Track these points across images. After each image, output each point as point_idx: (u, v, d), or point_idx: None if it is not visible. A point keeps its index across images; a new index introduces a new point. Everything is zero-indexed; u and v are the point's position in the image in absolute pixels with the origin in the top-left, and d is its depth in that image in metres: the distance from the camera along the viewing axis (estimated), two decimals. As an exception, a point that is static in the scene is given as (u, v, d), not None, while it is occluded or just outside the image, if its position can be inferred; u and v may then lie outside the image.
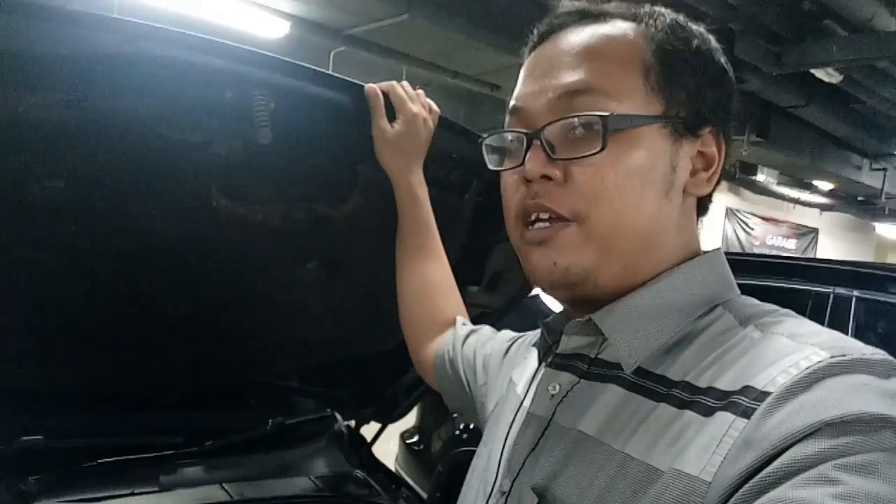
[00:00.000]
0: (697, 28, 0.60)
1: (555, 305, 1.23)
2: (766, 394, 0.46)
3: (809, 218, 11.98)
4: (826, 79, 4.66)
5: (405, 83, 1.00)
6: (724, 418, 0.47)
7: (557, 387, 0.62)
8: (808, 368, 0.46)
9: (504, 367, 0.82)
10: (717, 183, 0.61)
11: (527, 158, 0.58)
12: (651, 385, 0.55)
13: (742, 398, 0.47)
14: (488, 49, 4.43)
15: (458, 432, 2.69)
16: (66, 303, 1.16)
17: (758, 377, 0.48)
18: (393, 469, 2.12)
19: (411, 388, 1.72)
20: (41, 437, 1.25)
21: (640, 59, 0.57)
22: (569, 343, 0.63)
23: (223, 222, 1.11)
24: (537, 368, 0.69)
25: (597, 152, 0.55)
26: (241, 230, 1.14)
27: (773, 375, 0.47)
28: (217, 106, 0.95)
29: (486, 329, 0.95)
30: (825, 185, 9.15)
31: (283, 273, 1.32)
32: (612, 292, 0.59)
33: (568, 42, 0.59)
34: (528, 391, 0.68)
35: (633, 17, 0.60)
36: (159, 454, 1.37)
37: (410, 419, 3.09)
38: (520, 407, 0.68)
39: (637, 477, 0.50)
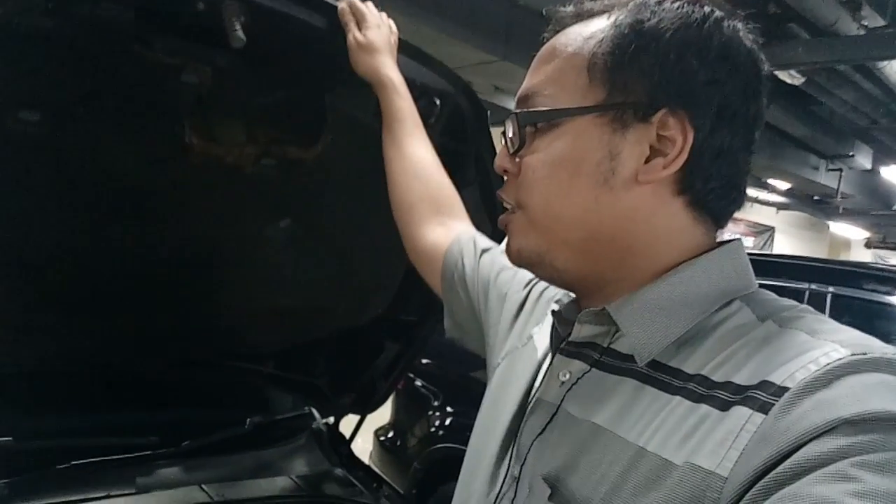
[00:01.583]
0: (676, 6, 0.56)
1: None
2: (785, 389, 0.46)
3: (766, 216, 12.26)
4: (789, 80, 4.76)
5: (369, 3, 1.06)
6: (741, 413, 0.47)
7: (568, 374, 0.62)
8: (827, 365, 0.46)
9: (522, 318, 0.80)
10: (698, 171, 0.56)
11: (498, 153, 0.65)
12: (665, 378, 0.54)
13: (760, 393, 0.47)
14: (459, 45, 4.41)
15: (433, 429, 2.68)
16: (38, 258, 1.11)
17: (776, 372, 0.47)
18: (369, 467, 2.10)
19: (389, 370, 1.69)
20: (10, 438, 1.20)
21: (587, 52, 0.58)
22: (581, 331, 0.63)
23: (196, 163, 1.08)
24: (549, 354, 0.68)
25: (518, 149, 0.61)
26: (214, 174, 1.12)
27: (792, 371, 0.46)
28: (189, 19, 0.93)
29: (497, 252, 0.91)
30: (782, 185, 9.35)
31: (257, 231, 1.30)
32: (591, 278, 0.61)
33: (545, 47, 0.63)
34: (537, 375, 0.68)
35: (608, 9, 0.60)
36: (135, 455, 1.33)
37: (385, 416, 3.06)
38: (531, 389, 0.68)
39: (651, 470, 0.49)
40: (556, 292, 0.76)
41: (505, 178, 0.65)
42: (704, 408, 0.49)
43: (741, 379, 0.49)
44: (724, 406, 0.48)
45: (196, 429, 1.44)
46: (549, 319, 0.70)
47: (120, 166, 1.05)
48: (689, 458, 0.48)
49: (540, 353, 0.71)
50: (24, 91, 0.92)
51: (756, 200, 10.57)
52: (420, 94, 1.17)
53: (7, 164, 0.98)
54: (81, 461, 1.24)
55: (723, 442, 0.46)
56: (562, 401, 0.61)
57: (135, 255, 1.19)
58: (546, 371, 0.66)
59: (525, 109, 0.61)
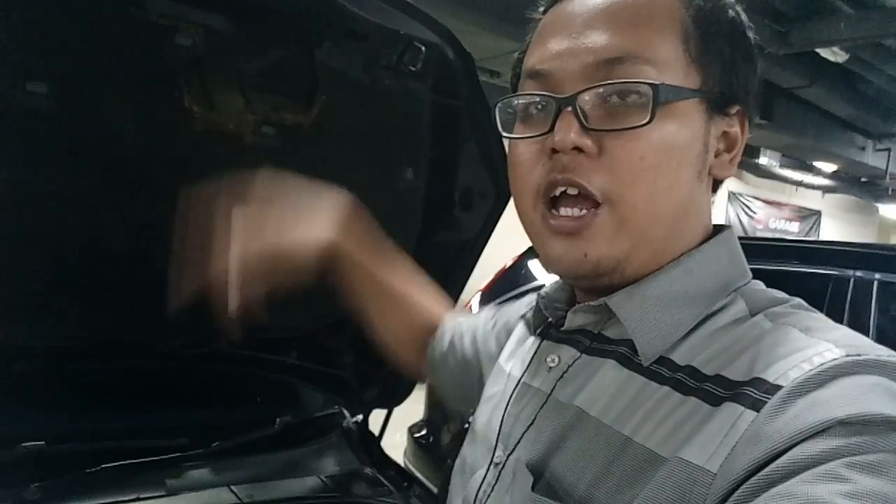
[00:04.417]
0: None
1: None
2: (777, 387, 0.45)
3: (811, 200, 11.94)
4: (832, 58, 4.61)
5: None
6: (732, 409, 0.46)
7: (557, 359, 0.61)
8: (821, 365, 0.45)
9: (492, 341, 0.81)
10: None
11: (557, 127, 0.52)
12: (654, 367, 0.53)
13: (751, 390, 0.46)
14: (489, 34, 4.36)
15: (466, 426, 2.65)
16: (51, 236, 1.12)
17: (769, 370, 0.47)
18: (402, 463, 2.08)
19: None
20: (42, 442, 1.21)
21: (680, 24, 0.53)
22: (574, 321, 0.61)
23: (198, 131, 1.09)
24: (533, 340, 0.67)
25: (644, 125, 0.50)
26: (217, 147, 1.12)
27: (785, 369, 0.46)
28: None
29: (483, 316, 0.91)
30: (828, 167, 9.08)
31: None
32: (632, 278, 0.57)
33: (598, 1, 0.54)
34: (514, 359, 0.68)
35: None
36: (164, 457, 1.34)
37: (418, 413, 3.05)
38: (509, 376, 0.68)
39: (637, 461, 0.49)
40: (522, 312, 0.76)
41: (560, 157, 0.53)
42: (693, 401, 0.49)
43: (733, 374, 0.48)
44: (715, 401, 0.47)
45: (225, 429, 1.45)
46: (515, 333, 0.70)
47: (125, 139, 1.07)
48: (677, 451, 0.47)
49: (505, 358, 0.72)
50: (29, 61, 0.93)
51: (801, 184, 10.28)
52: (406, 43, 1.16)
53: (21, 138, 1.00)
54: (111, 464, 1.25)
55: (713, 437, 0.46)
56: (553, 388, 0.60)
57: (144, 232, 1.19)
58: (533, 356, 0.65)
59: (628, 79, 0.51)
